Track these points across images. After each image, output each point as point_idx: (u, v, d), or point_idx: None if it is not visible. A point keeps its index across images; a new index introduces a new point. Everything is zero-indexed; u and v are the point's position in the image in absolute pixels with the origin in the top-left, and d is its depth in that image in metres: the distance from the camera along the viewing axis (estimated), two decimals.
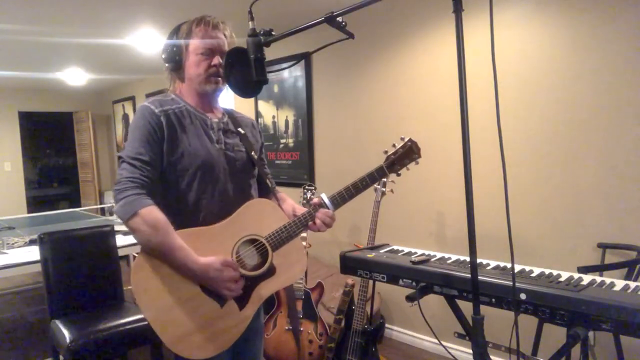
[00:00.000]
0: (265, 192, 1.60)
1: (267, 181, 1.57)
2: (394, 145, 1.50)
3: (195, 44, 1.42)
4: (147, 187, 1.30)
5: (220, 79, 1.44)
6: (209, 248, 1.33)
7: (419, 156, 1.50)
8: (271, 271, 1.40)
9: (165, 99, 1.43)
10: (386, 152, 1.50)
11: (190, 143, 1.38)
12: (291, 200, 1.61)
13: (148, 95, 6.01)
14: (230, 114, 1.58)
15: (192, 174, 1.38)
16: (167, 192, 1.38)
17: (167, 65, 1.48)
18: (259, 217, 1.42)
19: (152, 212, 1.27)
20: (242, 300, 1.36)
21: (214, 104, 1.53)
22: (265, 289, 1.40)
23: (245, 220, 1.40)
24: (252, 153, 1.53)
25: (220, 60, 1.42)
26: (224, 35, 1.46)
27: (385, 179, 2.53)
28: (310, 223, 1.43)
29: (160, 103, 1.39)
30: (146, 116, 1.35)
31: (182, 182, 1.38)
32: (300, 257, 1.47)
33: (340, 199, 1.43)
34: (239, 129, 1.54)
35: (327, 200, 1.43)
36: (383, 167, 1.46)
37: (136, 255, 1.51)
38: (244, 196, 1.48)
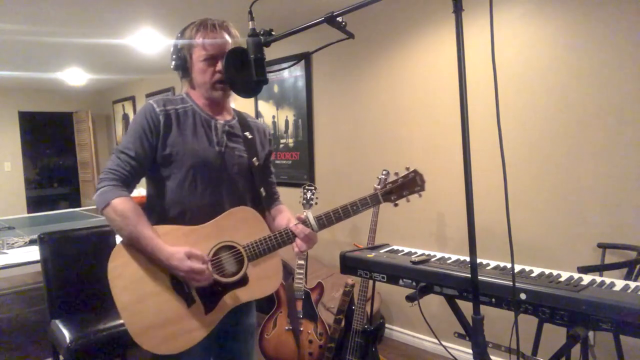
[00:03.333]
0: (266, 201, 1.55)
1: (263, 190, 1.52)
2: (396, 174, 1.38)
3: (197, 51, 1.40)
4: (126, 180, 1.34)
5: (225, 85, 1.42)
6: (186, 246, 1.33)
7: (423, 189, 1.37)
8: (244, 280, 1.38)
9: (174, 98, 1.44)
10: (385, 178, 1.42)
11: (187, 141, 1.38)
12: (289, 215, 1.54)
13: (148, 95, 6.00)
14: (241, 117, 1.55)
15: (185, 172, 1.38)
16: (159, 187, 1.39)
17: (176, 71, 1.49)
18: (241, 225, 1.40)
19: (123, 202, 1.29)
20: (209, 305, 1.35)
21: (224, 107, 1.51)
22: (235, 298, 1.38)
23: (226, 225, 1.39)
24: (254, 159, 1.50)
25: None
26: (228, 35, 1.41)
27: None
28: (295, 247, 1.39)
29: (164, 102, 1.40)
30: (145, 113, 1.37)
31: (174, 178, 1.38)
32: (276, 274, 1.45)
33: (326, 221, 1.35)
34: (247, 134, 1.51)
35: (312, 220, 1.36)
36: (378, 195, 1.36)
37: None
38: (237, 202, 1.45)
